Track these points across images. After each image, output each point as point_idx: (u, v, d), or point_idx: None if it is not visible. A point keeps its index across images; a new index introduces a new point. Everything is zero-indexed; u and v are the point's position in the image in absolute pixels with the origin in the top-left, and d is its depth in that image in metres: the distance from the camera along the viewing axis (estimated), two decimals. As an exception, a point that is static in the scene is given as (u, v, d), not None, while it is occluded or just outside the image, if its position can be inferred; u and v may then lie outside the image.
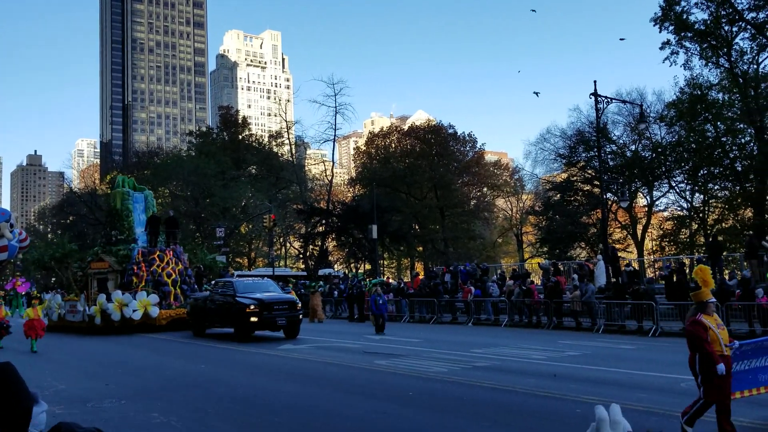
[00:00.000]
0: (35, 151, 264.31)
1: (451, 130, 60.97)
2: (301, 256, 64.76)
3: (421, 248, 60.42)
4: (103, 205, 65.59)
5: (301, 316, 20.72)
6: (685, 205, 43.39)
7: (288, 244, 70.36)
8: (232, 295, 20.23)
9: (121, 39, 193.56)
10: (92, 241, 47.90)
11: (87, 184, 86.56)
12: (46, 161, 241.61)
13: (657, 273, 34.14)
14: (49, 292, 36.99)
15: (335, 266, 59.48)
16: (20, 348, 18.41)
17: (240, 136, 69.35)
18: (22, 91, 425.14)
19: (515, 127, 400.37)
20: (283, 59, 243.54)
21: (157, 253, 26.58)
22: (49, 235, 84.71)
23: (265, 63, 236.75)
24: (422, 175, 56.58)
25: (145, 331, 23.53)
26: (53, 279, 49.89)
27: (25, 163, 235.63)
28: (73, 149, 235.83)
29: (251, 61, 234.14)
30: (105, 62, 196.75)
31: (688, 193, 43.03)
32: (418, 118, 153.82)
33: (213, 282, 26.41)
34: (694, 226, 42.72)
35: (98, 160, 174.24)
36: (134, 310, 23.72)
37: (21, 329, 18.68)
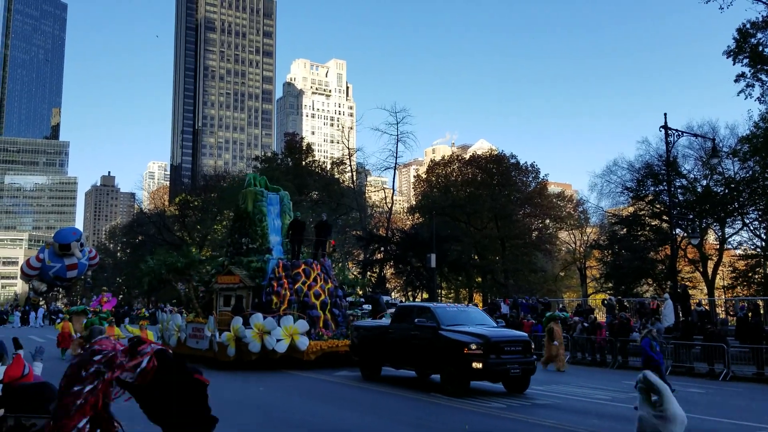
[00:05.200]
0: (109, 172, 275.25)
1: (513, 160, 60.36)
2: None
3: (480, 279, 59.63)
4: (171, 226, 67.99)
5: (536, 363, 15.04)
6: (759, 243, 41.54)
7: (346, 270, 70.74)
8: (433, 328, 14.48)
9: (194, 67, 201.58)
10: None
11: (156, 205, 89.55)
12: (118, 182, 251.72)
13: (728, 313, 32.61)
14: (164, 311, 31.92)
15: (393, 294, 59.34)
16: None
17: (303, 162, 70.56)
18: (101, 115, 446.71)
19: (580, 159, 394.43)
20: (347, 87, 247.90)
21: (303, 267, 20.84)
22: (118, 254, 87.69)
23: (330, 91, 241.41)
24: (483, 205, 56.00)
25: (286, 368, 18.12)
26: (175, 299, 45.08)
27: (99, 184, 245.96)
28: (145, 171, 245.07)
29: (317, 89, 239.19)
30: (178, 89, 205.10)
31: (763, 231, 41.22)
32: (480, 147, 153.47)
33: (395, 308, 19.26)
34: (770, 266, 40.77)
35: (168, 182, 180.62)
36: (278, 340, 17.90)
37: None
